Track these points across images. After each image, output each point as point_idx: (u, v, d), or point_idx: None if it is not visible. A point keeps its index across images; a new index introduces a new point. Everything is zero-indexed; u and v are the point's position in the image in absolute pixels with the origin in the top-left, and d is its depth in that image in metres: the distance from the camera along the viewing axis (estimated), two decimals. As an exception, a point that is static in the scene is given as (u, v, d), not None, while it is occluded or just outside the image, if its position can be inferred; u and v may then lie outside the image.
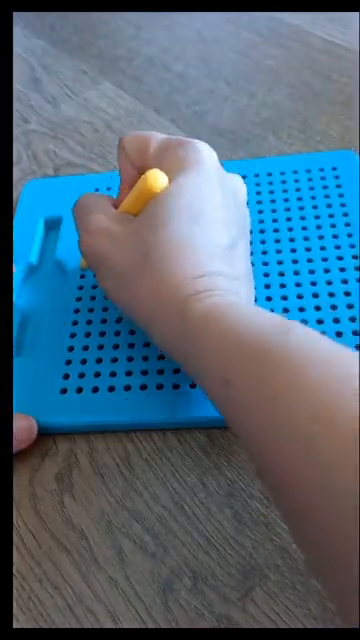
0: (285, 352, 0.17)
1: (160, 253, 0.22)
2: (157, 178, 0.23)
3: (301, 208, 0.32)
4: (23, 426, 0.25)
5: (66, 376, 0.27)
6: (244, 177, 0.34)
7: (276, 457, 0.16)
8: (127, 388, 0.26)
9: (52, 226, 0.35)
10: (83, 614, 0.21)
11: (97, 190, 0.35)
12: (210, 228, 0.23)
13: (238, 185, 0.26)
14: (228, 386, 0.18)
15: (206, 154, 0.24)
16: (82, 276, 0.31)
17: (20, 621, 0.21)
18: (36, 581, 0.22)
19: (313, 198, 0.33)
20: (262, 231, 0.31)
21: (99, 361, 0.27)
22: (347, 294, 0.28)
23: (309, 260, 0.29)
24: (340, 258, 0.29)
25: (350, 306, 0.27)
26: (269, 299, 0.28)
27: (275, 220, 0.32)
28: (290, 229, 0.31)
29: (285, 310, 0.28)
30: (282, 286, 0.29)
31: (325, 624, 0.20)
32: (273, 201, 0.33)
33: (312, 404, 0.15)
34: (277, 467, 0.16)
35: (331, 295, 0.28)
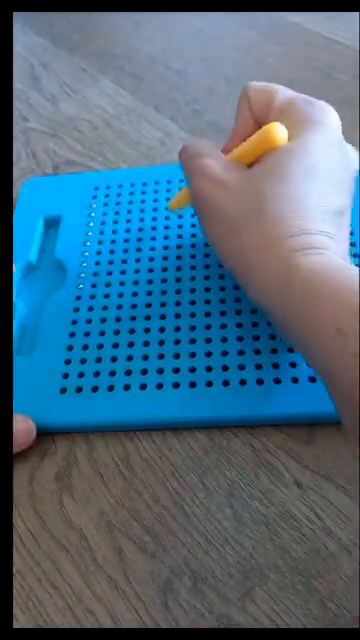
0: None
1: (275, 204, 0.22)
2: (280, 131, 0.23)
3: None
4: (22, 429, 0.25)
5: (65, 375, 0.27)
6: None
7: None
8: (126, 387, 0.26)
9: (51, 224, 0.35)
10: (82, 614, 0.21)
11: (96, 189, 0.35)
12: (326, 188, 0.22)
13: (353, 157, 0.26)
14: (341, 335, 0.18)
15: (331, 116, 0.24)
16: (81, 275, 0.31)
17: (20, 621, 0.21)
18: (35, 581, 0.22)
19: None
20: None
21: (98, 360, 0.27)
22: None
23: None
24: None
25: None
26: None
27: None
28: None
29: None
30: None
31: (325, 624, 0.20)
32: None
33: None
34: None
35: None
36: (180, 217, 0.33)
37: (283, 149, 0.23)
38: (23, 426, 0.25)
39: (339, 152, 0.24)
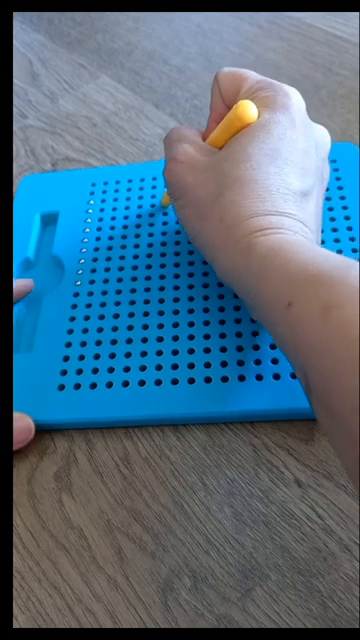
0: (348, 284, 0.17)
1: (235, 187, 0.22)
2: (247, 108, 0.23)
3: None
4: (20, 426, 0.25)
5: (64, 372, 0.27)
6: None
7: (335, 382, 0.16)
8: (125, 384, 0.26)
9: (49, 221, 0.34)
10: (82, 614, 0.21)
11: (94, 185, 0.35)
12: (287, 172, 0.23)
13: (322, 138, 0.26)
14: (290, 309, 0.19)
15: (295, 100, 0.24)
16: (79, 271, 0.31)
17: (19, 621, 0.21)
18: (35, 580, 0.22)
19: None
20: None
21: (97, 357, 0.27)
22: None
23: None
24: (339, 252, 0.29)
25: None
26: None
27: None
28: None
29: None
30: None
31: (326, 624, 0.20)
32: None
33: None
34: (337, 392, 0.16)
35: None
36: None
37: (246, 132, 0.23)
38: (21, 424, 0.25)
39: (304, 134, 0.24)
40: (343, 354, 0.16)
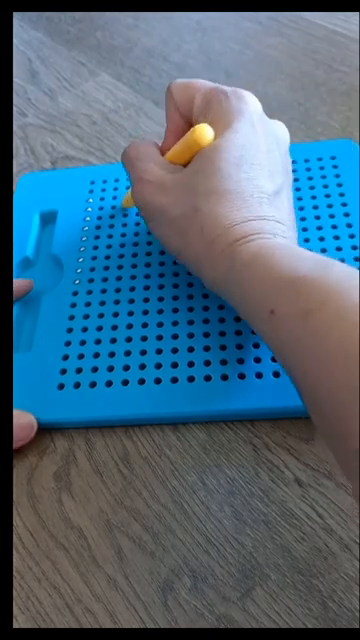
0: (325, 286, 0.18)
1: (210, 201, 0.23)
2: (204, 133, 0.24)
3: (299, 199, 0.32)
4: (22, 423, 0.25)
5: (63, 371, 0.27)
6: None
7: (325, 384, 0.17)
8: (125, 383, 0.26)
9: (48, 220, 0.34)
10: (82, 613, 0.21)
11: (93, 183, 0.35)
12: (256, 175, 0.23)
13: (281, 133, 0.27)
14: (272, 316, 0.19)
15: (250, 103, 0.25)
16: (78, 270, 0.31)
17: (19, 621, 0.21)
18: (35, 580, 0.22)
19: (312, 188, 0.32)
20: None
21: (96, 356, 0.27)
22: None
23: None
24: (339, 249, 0.29)
25: None
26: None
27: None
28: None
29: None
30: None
31: (327, 624, 0.20)
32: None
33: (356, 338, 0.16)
34: (325, 394, 0.17)
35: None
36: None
37: (210, 148, 0.24)
38: (23, 420, 0.25)
39: (264, 134, 0.25)
40: (325, 356, 0.17)
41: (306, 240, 0.30)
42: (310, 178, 0.32)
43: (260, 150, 0.24)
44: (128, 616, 0.21)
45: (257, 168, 0.23)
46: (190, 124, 0.27)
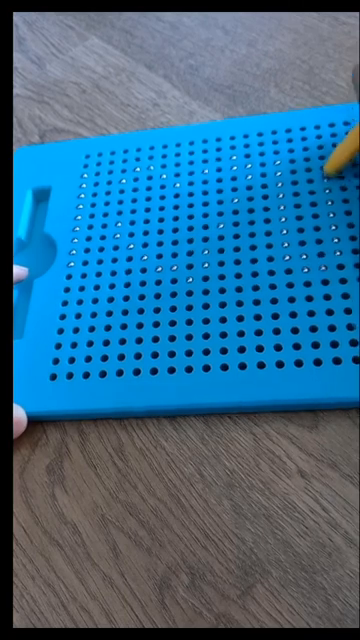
0: None
1: None
2: None
3: (308, 170, 0.29)
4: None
5: (56, 361, 0.26)
6: (246, 137, 0.31)
7: None
8: (119, 373, 0.25)
9: (41, 197, 0.33)
10: (77, 612, 0.20)
11: (88, 157, 0.33)
12: None
13: None
14: None
15: None
16: (72, 252, 0.29)
17: (13, 619, 0.21)
18: (28, 578, 0.21)
19: (321, 158, 0.30)
20: (265, 196, 0.29)
21: (90, 344, 0.26)
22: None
23: (317, 241, 0.27)
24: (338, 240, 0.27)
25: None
26: (271, 273, 0.26)
27: (279, 185, 0.29)
28: (296, 194, 0.29)
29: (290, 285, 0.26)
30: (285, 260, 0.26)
31: (331, 623, 0.19)
32: (277, 162, 0.30)
33: None
34: None
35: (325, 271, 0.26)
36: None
37: None
38: (14, 415, 0.24)
39: None
40: None
41: (314, 216, 0.28)
42: (321, 147, 0.30)
43: None
44: (124, 615, 0.20)
45: None
46: None
